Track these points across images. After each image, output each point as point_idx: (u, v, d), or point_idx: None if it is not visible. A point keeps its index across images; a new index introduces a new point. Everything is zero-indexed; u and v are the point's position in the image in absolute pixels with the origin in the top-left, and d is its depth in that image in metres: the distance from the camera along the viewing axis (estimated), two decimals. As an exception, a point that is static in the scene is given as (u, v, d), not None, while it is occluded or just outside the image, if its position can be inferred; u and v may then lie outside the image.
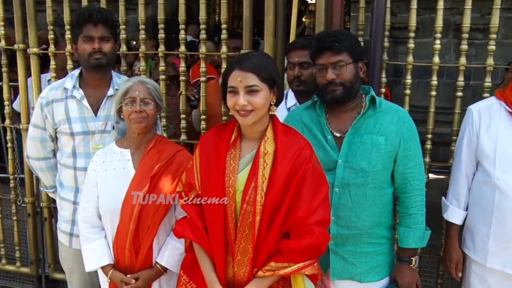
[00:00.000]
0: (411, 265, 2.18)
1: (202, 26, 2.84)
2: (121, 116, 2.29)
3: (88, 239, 2.29)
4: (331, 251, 2.12)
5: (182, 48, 2.90)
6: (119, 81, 2.56)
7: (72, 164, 2.52)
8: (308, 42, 2.52)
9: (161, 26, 2.90)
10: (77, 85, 2.53)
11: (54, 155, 2.67)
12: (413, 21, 2.58)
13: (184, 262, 2.09)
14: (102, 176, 2.28)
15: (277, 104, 1.92)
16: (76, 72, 2.59)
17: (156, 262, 2.26)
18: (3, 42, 3.28)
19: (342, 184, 2.07)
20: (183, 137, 2.98)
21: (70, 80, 2.54)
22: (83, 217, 2.31)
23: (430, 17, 6.34)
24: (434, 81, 2.62)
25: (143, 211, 2.18)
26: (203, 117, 2.92)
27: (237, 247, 1.84)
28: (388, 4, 2.56)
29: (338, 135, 2.11)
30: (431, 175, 4.76)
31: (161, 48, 2.93)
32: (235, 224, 1.85)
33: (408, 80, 2.63)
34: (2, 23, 3.26)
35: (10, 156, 3.44)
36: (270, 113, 1.90)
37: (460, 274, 2.42)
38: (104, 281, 2.33)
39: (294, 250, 1.80)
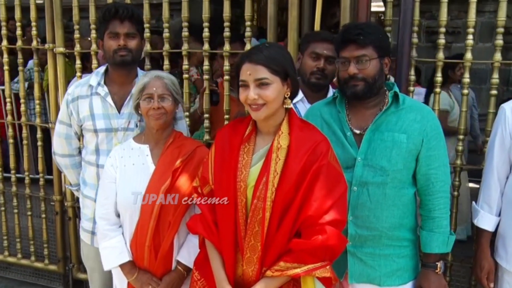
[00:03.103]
0: (436, 271, 2.05)
1: (226, 24, 2.81)
2: (139, 112, 2.27)
3: (106, 236, 2.26)
4: (349, 252, 2.02)
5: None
6: None
7: (95, 162, 2.52)
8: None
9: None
10: (102, 82, 2.52)
11: (79, 153, 2.68)
12: (443, 15, 2.47)
13: (197, 258, 2.04)
14: (121, 171, 2.25)
15: (292, 97, 1.85)
16: (102, 68, 2.59)
17: (177, 261, 2.22)
18: (34, 42, 3.35)
19: (360, 183, 1.98)
20: (206, 137, 2.95)
21: (95, 77, 2.55)
22: (101, 214, 2.27)
23: (465, 22, 6.11)
24: (467, 78, 2.48)
25: (165, 207, 2.15)
26: (226, 116, 2.88)
27: (246, 244, 1.77)
28: (417, -1, 2.46)
29: (358, 132, 2.03)
30: (471, 184, 4.61)
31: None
32: (245, 220, 1.78)
33: (438, 78, 2.50)
34: (34, 24, 3.34)
35: (40, 154, 3.50)
36: (285, 106, 1.83)
37: (492, 285, 2.26)
38: (120, 280, 2.29)
39: (304, 250, 1.72)
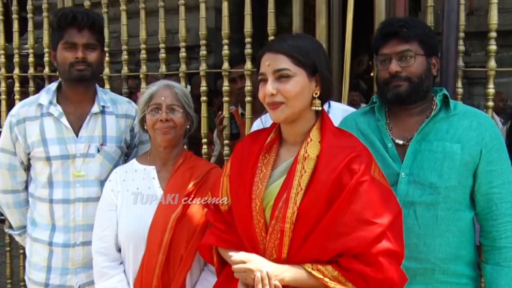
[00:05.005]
0: (506, 318, 1.65)
1: (248, 40, 2.56)
2: (145, 127, 1.99)
3: (106, 275, 1.92)
4: (395, 291, 1.64)
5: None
6: (105, 97, 2.23)
7: (48, 196, 2.12)
8: None
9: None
10: (55, 101, 2.15)
11: (25, 188, 2.26)
12: (494, 18, 2.15)
13: (216, 284, 1.69)
14: (123, 197, 1.95)
15: (324, 99, 1.53)
16: (54, 85, 2.22)
17: None
18: (47, 69, 3.17)
19: (405, 203, 1.63)
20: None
21: (46, 94, 2.17)
22: (99, 248, 1.95)
23: (509, 55, 5.80)
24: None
25: (175, 238, 1.84)
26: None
27: None
28: (462, 0, 2.16)
29: (401, 142, 1.71)
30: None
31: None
32: (265, 246, 1.45)
33: (491, 90, 2.16)
34: (47, 50, 3.16)
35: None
36: (314, 108, 1.50)
37: None
38: None
39: (358, 272, 1.37)
